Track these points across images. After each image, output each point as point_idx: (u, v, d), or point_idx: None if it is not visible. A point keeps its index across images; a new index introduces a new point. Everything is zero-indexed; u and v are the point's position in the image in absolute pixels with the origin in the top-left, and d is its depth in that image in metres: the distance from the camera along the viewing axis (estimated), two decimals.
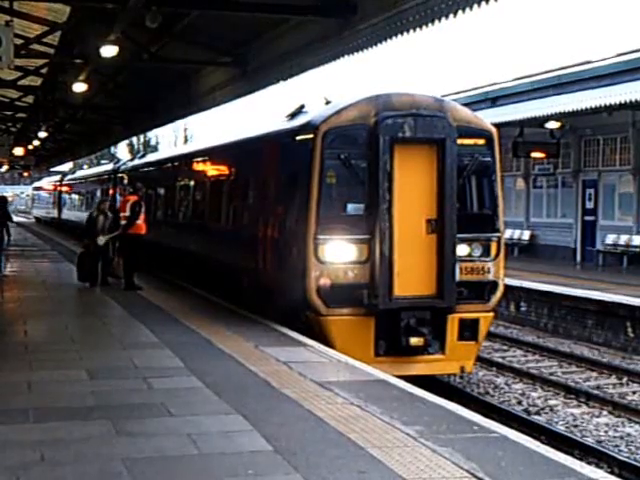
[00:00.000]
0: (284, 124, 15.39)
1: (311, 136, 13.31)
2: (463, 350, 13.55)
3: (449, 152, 13.03)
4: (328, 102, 14.84)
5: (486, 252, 13.69)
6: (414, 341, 12.97)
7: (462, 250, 13.42)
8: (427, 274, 13.10)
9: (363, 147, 13.07)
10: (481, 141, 13.80)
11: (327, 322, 12.99)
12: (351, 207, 13.29)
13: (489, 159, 13.84)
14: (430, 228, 13.13)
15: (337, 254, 13.01)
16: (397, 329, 12.98)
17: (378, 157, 12.84)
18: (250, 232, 15.63)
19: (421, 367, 13.23)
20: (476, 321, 13.61)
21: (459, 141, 13.21)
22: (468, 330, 13.55)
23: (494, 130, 14.06)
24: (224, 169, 18.85)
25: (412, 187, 13.07)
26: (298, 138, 13.98)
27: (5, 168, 53.64)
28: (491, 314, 14.01)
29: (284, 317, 13.67)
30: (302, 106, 15.53)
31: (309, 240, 13.00)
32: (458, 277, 13.24)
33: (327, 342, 12.50)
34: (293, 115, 15.43)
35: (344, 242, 13.04)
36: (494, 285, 13.75)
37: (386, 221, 12.82)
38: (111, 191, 32.76)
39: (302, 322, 13.30)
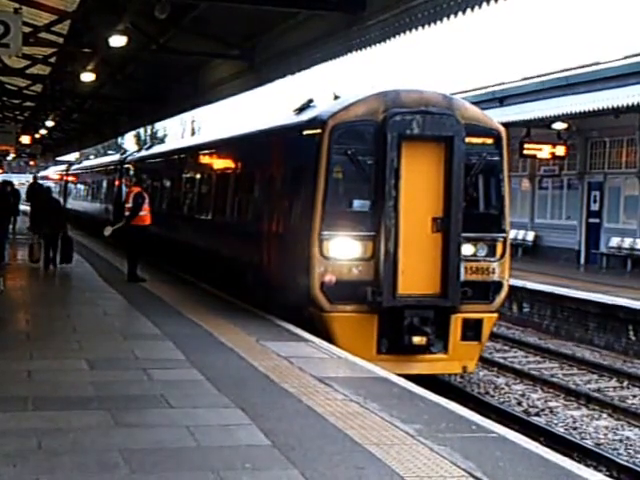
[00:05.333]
0: (292, 118, 15.32)
1: (319, 131, 13.24)
2: (466, 350, 13.48)
3: (457, 150, 12.94)
4: (336, 97, 14.75)
5: (491, 252, 13.61)
6: (417, 340, 12.90)
7: (467, 250, 13.35)
8: (432, 273, 13.03)
9: (371, 143, 12.99)
10: (489, 140, 13.71)
11: (330, 319, 12.93)
12: (357, 203, 13.23)
13: (497, 158, 13.74)
14: (436, 226, 13.05)
15: (342, 250, 12.94)
16: (400, 327, 12.91)
17: (385, 153, 12.75)
18: (255, 226, 15.59)
19: (423, 366, 13.16)
20: (480, 321, 13.54)
21: (467, 139, 13.12)
22: (471, 330, 13.48)
23: (502, 129, 13.96)
24: (230, 162, 18.81)
25: (419, 185, 13.00)
26: (305, 133, 13.93)
27: (12, 156, 53.67)
28: (495, 315, 13.94)
29: (287, 312, 13.62)
30: (310, 100, 15.44)
31: (314, 236, 12.92)
32: (463, 277, 13.17)
33: (330, 339, 12.45)
34: (301, 109, 15.33)
35: (349, 238, 12.97)
36: (499, 286, 13.67)
37: (392, 218, 12.75)
38: (117, 182, 32.77)
39: (305, 318, 13.24)
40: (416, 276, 12.95)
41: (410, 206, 12.90)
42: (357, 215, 13.12)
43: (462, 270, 13.17)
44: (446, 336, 13.26)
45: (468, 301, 13.25)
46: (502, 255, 13.69)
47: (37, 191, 33.54)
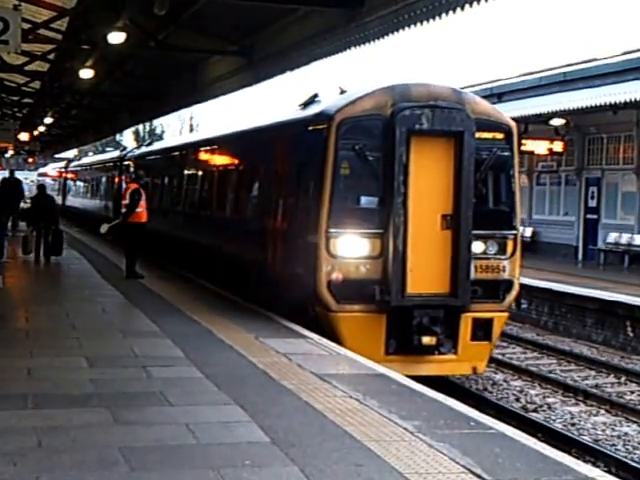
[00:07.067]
0: (297, 113, 15.00)
1: (325, 126, 12.93)
2: (476, 350, 13.19)
3: (467, 145, 12.65)
4: (343, 92, 14.34)
5: (502, 250, 13.32)
6: (426, 340, 12.63)
7: (477, 247, 13.04)
8: (441, 271, 12.74)
9: (379, 138, 12.69)
10: (500, 135, 13.40)
11: (337, 318, 12.67)
12: (365, 200, 13.00)
13: (508, 154, 13.44)
14: (445, 224, 12.77)
15: (349, 248, 12.66)
16: (409, 327, 12.63)
17: (394, 149, 12.45)
18: (259, 224, 15.36)
19: (432, 367, 12.89)
20: (490, 321, 13.24)
21: (477, 134, 12.84)
22: (481, 330, 13.17)
23: (513, 124, 13.66)
24: (233, 159, 18.61)
25: (428, 181, 12.71)
26: (311, 128, 13.60)
27: (10, 153, 53.61)
28: (505, 314, 13.68)
29: (292, 312, 13.40)
30: (315, 95, 15.12)
31: (321, 233, 12.64)
32: (473, 275, 12.89)
33: (336, 339, 12.19)
34: (306, 104, 15.02)
35: (357, 236, 12.69)
36: (509, 284, 13.37)
37: (400, 215, 12.47)
38: (117, 179, 32.75)
39: (311, 317, 13.02)
40: (425, 275, 12.67)
41: (419, 203, 12.61)
42: (365, 212, 12.86)
43: (472, 268, 12.90)
44: (456, 336, 12.96)
45: (478, 300, 12.94)
46: (513, 253, 13.38)
47: (13, 185, 33.42)
